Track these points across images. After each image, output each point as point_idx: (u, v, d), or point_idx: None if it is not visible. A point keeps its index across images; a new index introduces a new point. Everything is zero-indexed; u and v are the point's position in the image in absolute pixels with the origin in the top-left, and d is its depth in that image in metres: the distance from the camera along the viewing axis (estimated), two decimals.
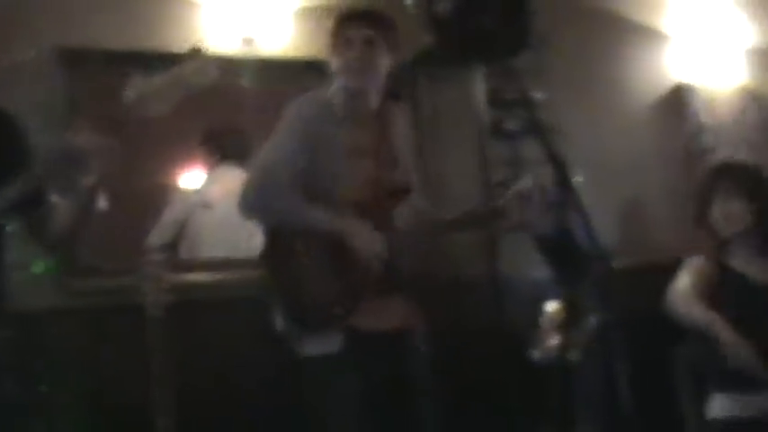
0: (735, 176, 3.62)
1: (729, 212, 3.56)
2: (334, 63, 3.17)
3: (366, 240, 3.01)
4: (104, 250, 3.83)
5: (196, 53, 2.42)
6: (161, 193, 4.37)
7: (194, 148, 4.45)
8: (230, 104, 4.27)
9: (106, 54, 3.99)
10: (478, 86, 4.46)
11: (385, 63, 3.19)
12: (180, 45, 3.97)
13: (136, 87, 2.34)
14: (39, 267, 3.64)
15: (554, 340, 3.98)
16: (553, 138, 3.48)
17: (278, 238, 3.03)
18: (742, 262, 3.56)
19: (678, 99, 5.61)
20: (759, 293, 3.47)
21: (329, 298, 2.97)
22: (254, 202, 3.06)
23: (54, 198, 2.55)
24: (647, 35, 5.56)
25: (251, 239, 3.28)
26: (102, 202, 2.52)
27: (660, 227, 5.40)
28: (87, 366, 3.71)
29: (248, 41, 4.32)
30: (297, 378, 3.07)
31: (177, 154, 4.46)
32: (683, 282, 3.57)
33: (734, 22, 5.81)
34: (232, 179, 3.72)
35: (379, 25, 3.18)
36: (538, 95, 4.85)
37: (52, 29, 4.01)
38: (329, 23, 3.21)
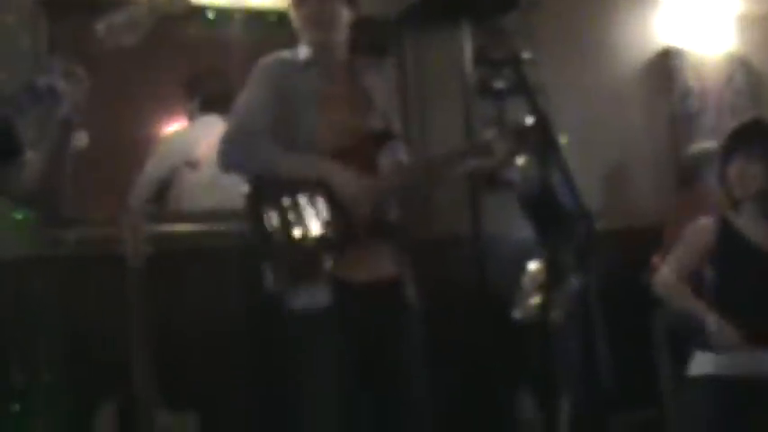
0: (755, 136, 3.59)
1: (745, 173, 3.54)
2: (295, 18, 3.20)
3: (347, 182, 3.00)
4: (85, 200, 3.79)
5: None
6: (144, 142, 4.32)
7: (176, 92, 4.38)
8: (216, 55, 4.26)
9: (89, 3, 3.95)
10: (466, 45, 4.42)
11: (344, 13, 3.20)
12: None
13: (107, 19, 2.36)
14: (19, 215, 3.62)
15: (535, 300, 3.98)
16: (539, 97, 3.48)
17: (260, 190, 3.03)
18: (749, 224, 3.55)
19: (666, 63, 5.59)
20: (758, 257, 3.46)
21: (315, 247, 2.96)
22: (232, 156, 3.09)
23: (28, 153, 2.56)
24: None
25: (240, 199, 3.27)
26: (81, 140, 2.52)
27: (644, 190, 5.41)
28: (67, 315, 3.69)
29: None
30: (283, 331, 3.08)
31: (160, 103, 4.40)
32: (670, 262, 3.60)
33: None
34: (216, 134, 3.71)
35: None
36: (525, 55, 4.85)
37: None
38: None
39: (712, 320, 3.30)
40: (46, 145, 2.51)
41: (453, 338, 4.21)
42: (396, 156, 3.22)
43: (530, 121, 2.80)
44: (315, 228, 2.96)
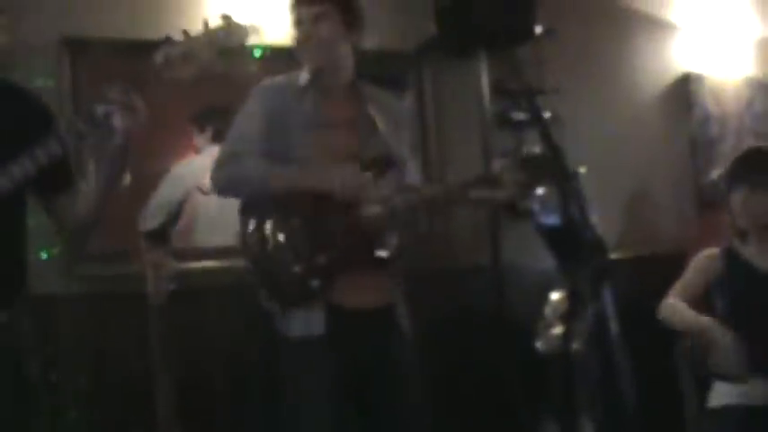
0: (759, 165, 3.57)
1: (749, 203, 3.52)
2: (293, 43, 3.18)
3: (349, 176, 2.99)
4: (109, 236, 3.81)
5: (227, 19, 2.52)
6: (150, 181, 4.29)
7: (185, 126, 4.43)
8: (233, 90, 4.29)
9: (111, 43, 4.02)
10: (483, 76, 4.44)
11: (342, 35, 3.16)
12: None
13: (165, 49, 2.40)
14: (46, 252, 3.67)
15: (557, 330, 3.98)
16: (552, 128, 3.48)
17: (252, 216, 3.04)
18: (756, 253, 3.54)
19: (685, 88, 5.59)
20: (765, 286, 3.45)
21: (306, 272, 2.97)
22: (223, 181, 3.12)
23: (82, 183, 2.61)
24: (654, 25, 5.55)
25: None
26: (125, 178, 2.55)
27: (666, 217, 5.41)
28: (91, 352, 3.73)
29: (254, 29, 4.31)
30: (279, 358, 3.09)
31: (178, 138, 4.45)
32: (675, 287, 3.60)
33: (741, 13, 5.81)
34: None
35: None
36: (544, 86, 4.87)
37: (56, 18, 4.02)
38: None
39: (722, 339, 3.26)
40: (99, 175, 2.55)
41: (474, 367, 4.21)
42: (399, 182, 3.19)
43: (539, 151, 2.79)
44: (305, 252, 2.97)
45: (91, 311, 3.76)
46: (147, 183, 4.16)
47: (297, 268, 2.97)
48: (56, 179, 2.54)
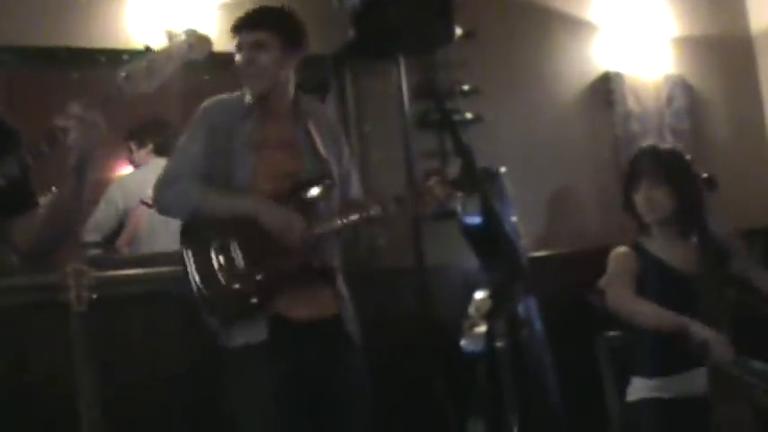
0: (659, 163, 3.65)
1: (652, 198, 3.60)
2: (237, 66, 3.20)
3: (280, 217, 3.03)
4: None
5: (191, 32, 2.51)
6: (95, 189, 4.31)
7: (119, 143, 4.43)
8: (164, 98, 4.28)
9: (44, 51, 4.01)
10: (403, 78, 4.46)
11: (282, 60, 3.21)
12: (108, 41, 4.07)
13: (127, 66, 2.39)
14: None
15: (481, 328, 4.01)
16: (474, 129, 3.54)
17: (191, 234, 3.06)
18: (661, 248, 3.61)
19: (606, 87, 5.67)
20: (676, 280, 3.51)
21: (245, 289, 2.98)
22: (164, 201, 3.14)
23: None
24: (574, 25, 5.62)
25: None
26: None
27: (589, 215, 5.47)
28: (13, 361, 3.69)
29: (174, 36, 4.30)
30: (223, 368, 3.10)
31: (113, 149, 4.43)
32: (620, 285, 3.58)
33: (658, 12, 5.92)
34: None
35: (269, 25, 3.19)
36: (465, 87, 4.92)
37: None
38: None
39: (705, 334, 3.21)
40: (56, 197, 2.48)
41: (401, 369, 4.23)
42: (333, 200, 3.26)
43: (464, 169, 2.83)
44: (246, 268, 2.99)
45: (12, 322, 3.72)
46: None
47: (237, 285, 2.99)
48: (12, 201, 2.44)
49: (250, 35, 3.16)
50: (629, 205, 3.70)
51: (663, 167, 3.62)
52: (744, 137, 6.18)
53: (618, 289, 3.55)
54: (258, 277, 3.00)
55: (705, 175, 3.74)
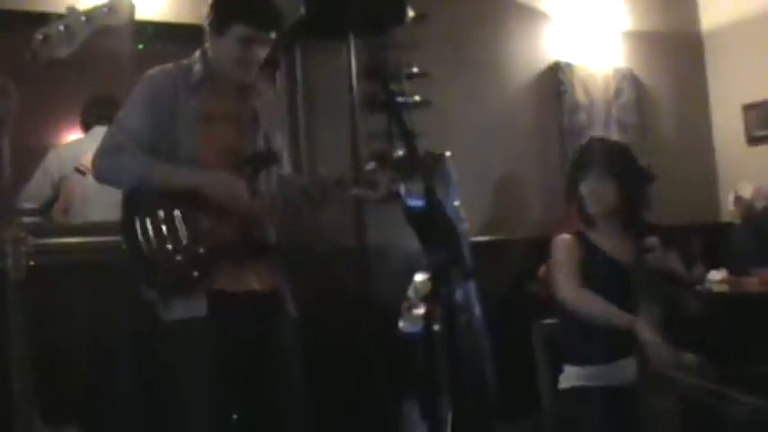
0: (607, 156, 3.65)
1: (597, 191, 3.62)
2: (223, 53, 3.12)
3: (227, 185, 3.00)
4: None
5: None
6: (29, 156, 4.26)
7: (74, 116, 4.41)
8: (108, 68, 4.24)
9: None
10: (353, 59, 4.45)
11: None
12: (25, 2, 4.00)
13: (43, 30, 2.35)
14: None
15: (420, 311, 4.03)
16: (404, 111, 3.54)
17: (134, 205, 3.03)
18: (604, 239, 3.64)
19: (555, 77, 5.72)
20: (620, 272, 3.52)
21: (186, 261, 2.97)
22: (104, 171, 3.07)
23: None
24: (526, 14, 5.66)
25: None
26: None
27: (533, 202, 5.52)
28: None
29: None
30: (161, 342, 3.09)
31: (57, 118, 4.39)
32: (568, 276, 3.57)
33: (610, 6, 5.97)
34: None
35: (278, 26, 3.15)
36: (414, 69, 4.93)
37: None
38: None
39: (650, 336, 3.22)
40: None
41: (338, 347, 4.24)
42: (273, 177, 3.25)
43: (406, 152, 2.83)
44: (188, 241, 2.98)
45: None
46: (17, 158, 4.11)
47: (178, 257, 2.97)
48: None
49: (267, 33, 3.11)
50: (573, 196, 3.72)
51: (610, 161, 3.63)
52: (689, 133, 6.27)
53: (565, 278, 3.56)
54: (201, 250, 2.99)
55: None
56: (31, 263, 3.32)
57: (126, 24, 3.96)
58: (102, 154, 3.06)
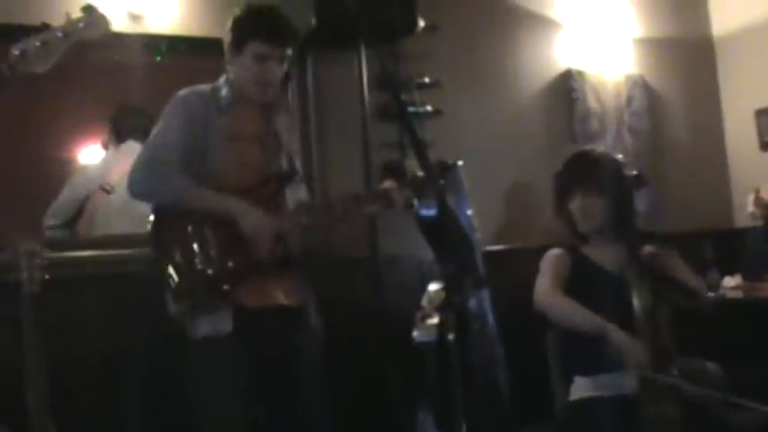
0: (594, 172, 3.65)
1: (587, 208, 3.61)
2: (242, 72, 3.23)
3: (253, 220, 3.06)
4: None
5: (88, 9, 2.52)
6: (51, 168, 4.28)
7: (97, 126, 4.42)
8: (127, 79, 4.26)
9: None
10: (364, 69, 4.46)
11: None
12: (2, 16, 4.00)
13: (22, 44, 2.37)
14: None
15: (434, 320, 4.03)
16: (416, 121, 3.57)
17: (165, 219, 3.07)
18: (598, 253, 3.63)
19: (566, 85, 5.71)
20: (614, 283, 3.51)
21: (218, 275, 3.01)
22: (141, 185, 3.13)
23: None
24: (537, 22, 5.65)
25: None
26: None
27: (544, 211, 5.48)
28: None
29: (136, 18, 4.32)
30: (185, 357, 3.10)
31: (71, 129, 4.40)
32: (548, 282, 3.59)
33: (621, 12, 5.96)
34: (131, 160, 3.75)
35: (292, 42, 3.25)
36: (426, 79, 4.93)
37: None
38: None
39: (621, 338, 3.27)
40: None
41: (352, 357, 4.24)
42: (298, 195, 3.33)
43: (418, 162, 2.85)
44: (216, 257, 3.01)
45: None
46: (32, 172, 4.13)
47: (210, 272, 3.01)
48: None
49: (278, 50, 3.19)
50: (562, 213, 3.71)
51: (599, 177, 3.62)
52: (701, 139, 6.24)
53: (541, 285, 3.58)
54: (230, 264, 3.02)
55: (634, 172, 3.75)
56: (47, 276, 3.34)
57: (134, 37, 4.02)
58: (139, 169, 3.12)
